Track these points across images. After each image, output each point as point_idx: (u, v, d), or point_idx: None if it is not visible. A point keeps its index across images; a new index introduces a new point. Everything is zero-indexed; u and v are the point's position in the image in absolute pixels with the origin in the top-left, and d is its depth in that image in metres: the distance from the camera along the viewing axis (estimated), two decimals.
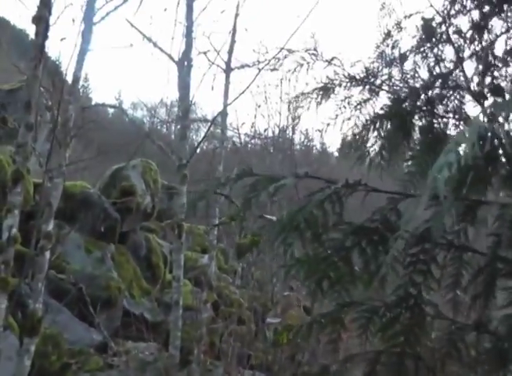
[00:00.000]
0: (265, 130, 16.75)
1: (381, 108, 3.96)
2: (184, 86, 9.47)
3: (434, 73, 3.96)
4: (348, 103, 4.28)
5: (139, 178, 10.61)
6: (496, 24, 3.69)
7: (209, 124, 9.86)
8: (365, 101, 4.19)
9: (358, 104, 4.24)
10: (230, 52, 11.12)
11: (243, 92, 11.17)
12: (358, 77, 4.19)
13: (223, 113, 10.36)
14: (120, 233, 9.98)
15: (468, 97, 3.84)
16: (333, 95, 4.28)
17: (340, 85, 4.27)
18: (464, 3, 3.78)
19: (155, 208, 10.93)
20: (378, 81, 4.17)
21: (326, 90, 4.14)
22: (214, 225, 3.50)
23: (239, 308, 8.45)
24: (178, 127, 10.23)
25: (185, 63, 9.62)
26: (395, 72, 4.18)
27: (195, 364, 8.24)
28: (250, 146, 17.41)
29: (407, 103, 3.91)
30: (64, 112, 7.05)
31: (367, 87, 4.21)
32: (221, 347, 8.41)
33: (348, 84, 4.22)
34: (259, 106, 16.21)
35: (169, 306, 10.41)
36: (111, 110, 27.04)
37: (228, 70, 11.05)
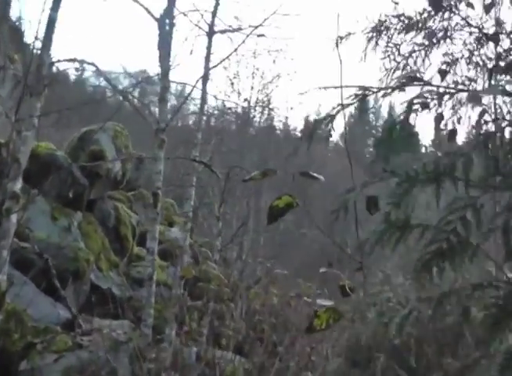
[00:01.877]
0: (235, 105, 16.02)
1: None
2: (165, 45, 8.58)
3: None
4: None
5: (110, 143, 9.63)
6: None
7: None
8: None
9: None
10: (214, 13, 10.21)
11: (227, 57, 10.34)
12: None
13: (204, 78, 9.49)
14: (88, 201, 9.02)
15: None
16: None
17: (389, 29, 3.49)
18: None
19: (125, 176, 9.97)
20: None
21: (377, 32, 3.38)
22: (244, 180, 2.78)
23: (218, 284, 7.65)
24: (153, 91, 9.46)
25: (167, 20, 8.74)
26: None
27: (166, 343, 7.46)
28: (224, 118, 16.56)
29: None
30: (37, 58, 6.16)
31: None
32: (197, 326, 7.61)
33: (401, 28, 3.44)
34: (234, 79, 15.43)
35: (137, 281, 9.57)
36: (73, 77, 25.65)
37: (210, 33, 10.16)
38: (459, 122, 4.09)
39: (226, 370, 6.85)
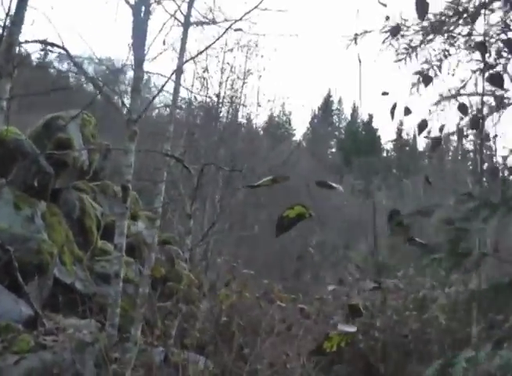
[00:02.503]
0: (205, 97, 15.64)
1: None
2: (139, 34, 8.18)
3: None
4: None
5: (77, 132, 9.15)
6: None
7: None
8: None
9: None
10: (190, 4, 9.79)
11: (205, 50, 9.98)
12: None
13: (178, 71, 9.08)
14: (52, 191, 8.53)
15: None
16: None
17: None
18: None
19: (92, 166, 9.51)
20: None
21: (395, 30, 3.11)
22: (251, 186, 2.51)
23: (188, 285, 7.30)
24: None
25: (142, 7, 8.35)
26: None
27: (131, 344, 7.12)
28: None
29: None
30: (9, 36, 5.71)
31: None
32: (164, 326, 7.26)
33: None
34: (204, 73, 15.04)
35: (101, 276, 9.14)
36: (36, 61, 24.76)
37: (186, 24, 9.74)
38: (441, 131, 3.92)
39: (191, 372, 6.52)
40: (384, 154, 47.16)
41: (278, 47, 21.46)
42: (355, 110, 46.75)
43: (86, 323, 6.03)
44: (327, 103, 49.28)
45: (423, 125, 3.78)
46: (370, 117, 46.19)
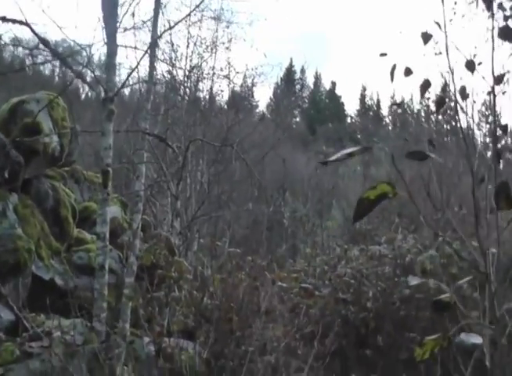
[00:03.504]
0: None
1: None
2: (111, 4, 7.52)
3: None
4: None
5: (45, 115, 8.44)
6: None
7: None
8: None
9: None
10: None
11: (180, 21, 9.38)
12: None
13: (153, 44, 8.42)
14: (23, 181, 7.88)
15: None
16: None
17: None
18: None
19: (63, 152, 8.84)
20: None
21: None
22: (326, 161, 2.05)
23: (179, 271, 6.82)
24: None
25: None
26: None
27: (119, 338, 6.67)
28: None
29: None
30: None
31: None
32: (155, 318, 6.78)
33: None
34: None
35: (79, 268, 8.60)
36: None
37: None
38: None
39: (181, 359, 6.08)
40: (348, 121, 47.09)
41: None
42: (317, 78, 46.35)
43: (72, 323, 5.48)
44: (289, 73, 48.69)
45: (426, 85, 3.46)
46: (333, 84, 45.87)
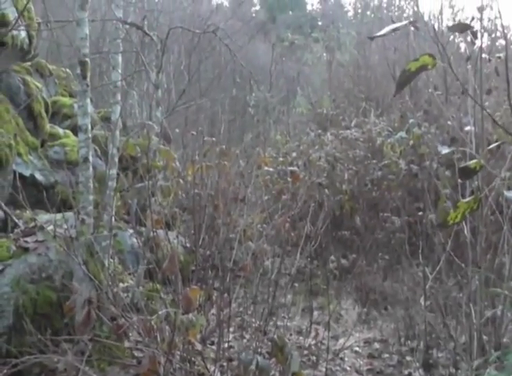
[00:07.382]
0: None
1: None
2: None
3: None
4: None
5: (11, 6, 7.80)
6: None
7: None
8: None
9: None
10: None
11: None
12: None
13: None
14: None
15: None
16: None
17: None
18: None
19: (32, 45, 8.28)
20: None
21: None
22: (371, 37, 1.89)
23: (167, 160, 6.64)
24: None
25: None
26: None
27: (106, 230, 6.59)
28: None
29: None
30: None
31: None
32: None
33: None
34: None
35: (56, 163, 8.37)
36: None
37: None
38: None
39: (167, 249, 6.03)
40: (309, 8, 45.60)
41: None
42: None
43: (63, 216, 5.35)
44: None
45: None
46: None
